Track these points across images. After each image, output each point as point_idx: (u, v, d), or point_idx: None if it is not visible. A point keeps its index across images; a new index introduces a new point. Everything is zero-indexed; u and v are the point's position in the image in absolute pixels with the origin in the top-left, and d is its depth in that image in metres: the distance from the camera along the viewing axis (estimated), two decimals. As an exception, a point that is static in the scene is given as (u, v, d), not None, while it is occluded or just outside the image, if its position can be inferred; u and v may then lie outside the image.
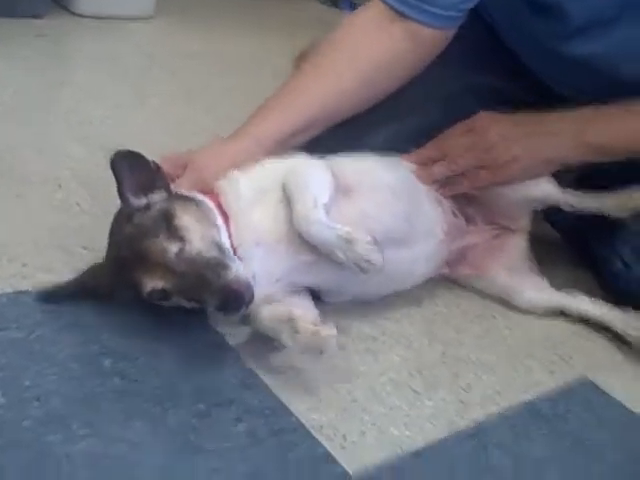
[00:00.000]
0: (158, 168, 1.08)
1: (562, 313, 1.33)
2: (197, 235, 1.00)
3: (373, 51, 1.27)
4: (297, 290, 1.11)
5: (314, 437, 0.95)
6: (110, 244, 1.06)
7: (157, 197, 1.06)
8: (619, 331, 1.27)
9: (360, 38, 1.27)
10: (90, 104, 1.81)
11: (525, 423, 1.06)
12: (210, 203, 1.07)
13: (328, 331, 0.97)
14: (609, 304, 1.30)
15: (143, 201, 1.05)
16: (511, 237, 1.36)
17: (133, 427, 0.91)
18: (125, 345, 1.04)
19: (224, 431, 0.94)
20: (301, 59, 2.24)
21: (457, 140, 1.25)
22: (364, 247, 1.01)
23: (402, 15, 1.26)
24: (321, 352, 0.98)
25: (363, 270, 1.03)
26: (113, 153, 1.04)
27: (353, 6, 3.39)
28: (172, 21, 2.57)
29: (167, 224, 1.00)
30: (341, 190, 1.10)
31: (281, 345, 1.01)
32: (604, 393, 1.15)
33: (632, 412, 1.12)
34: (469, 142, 1.24)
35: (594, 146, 1.22)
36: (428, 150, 1.28)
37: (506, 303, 1.33)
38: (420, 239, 1.22)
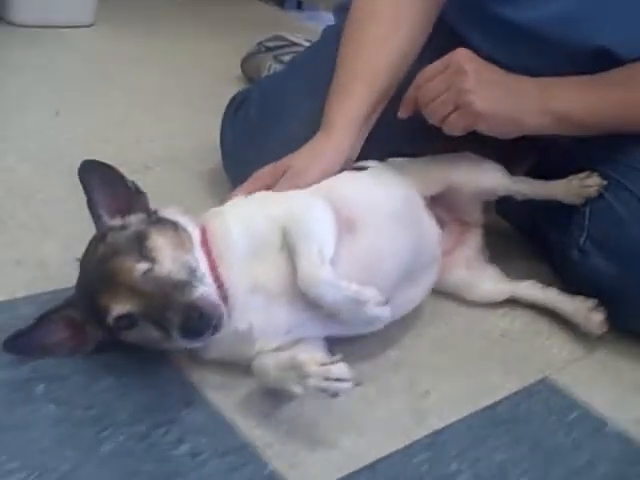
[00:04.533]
0: (137, 188, 1.03)
1: (518, 306, 1.31)
2: (169, 257, 0.94)
3: (406, 9, 1.25)
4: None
5: (260, 456, 0.90)
6: (81, 268, 0.99)
7: (135, 219, 1.00)
8: (569, 316, 1.25)
9: (402, 5, 1.26)
10: (27, 114, 1.75)
11: (484, 429, 1.02)
12: (194, 231, 1.01)
13: (340, 370, 0.90)
14: (559, 290, 1.28)
15: (119, 222, 0.99)
16: (468, 231, 1.32)
17: (66, 455, 0.85)
18: (57, 367, 0.98)
19: (165, 453, 0.88)
20: (246, 61, 2.21)
21: (433, 83, 1.20)
22: (372, 309, 0.95)
23: None
24: (335, 395, 0.90)
25: (370, 325, 0.99)
26: (81, 164, 0.99)
27: (300, 6, 3.37)
28: (113, 27, 2.51)
29: (139, 244, 0.94)
30: (344, 225, 1.02)
31: (289, 395, 0.93)
32: (564, 393, 1.11)
33: (593, 412, 1.08)
34: (444, 83, 1.18)
35: (556, 114, 1.18)
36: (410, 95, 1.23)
37: (462, 301, 1.29)
38: (427, 268, 1.17)
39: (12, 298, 1.10)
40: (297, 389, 0.91)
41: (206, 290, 0.92)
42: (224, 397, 0.98)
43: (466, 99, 1.15)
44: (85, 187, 0.99)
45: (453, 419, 1.03)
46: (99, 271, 0.94)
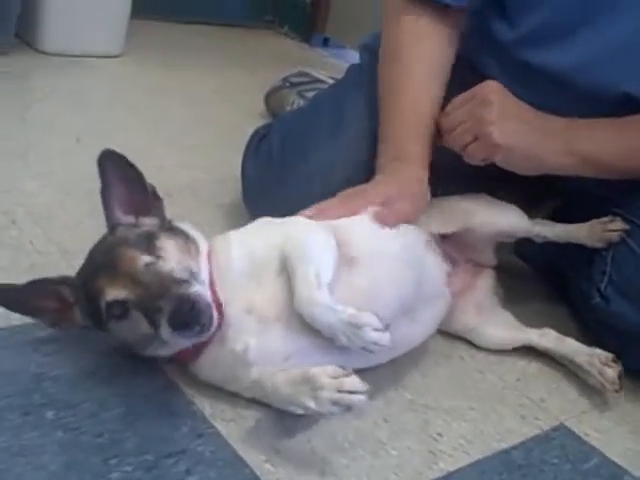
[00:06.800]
0: (155, 192, 1.04)
1: (532, 350, 1.27)
2: (174, 258, 0.95)
3: (437, 48, 1.27)
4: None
5: (269, 491, 0.89)
6: (87, 255, 1.01)
7: (148, 221, 1.02)
8: (583, 368, 1.20)
9: (424, 40, 1.27)
10: (50, 140, 1.77)
11: (497, 474, 1.00)
12: (202, 245, 1.02)
13: (353, 382, 0.88)
14: (575, 341, 1.24)
15: (131, 220, 1.01)
16: (481, 273, 1.30)
17: (72, 482, 0.84)
18: (68, 394, 0.97)
19: (172, 485, 0.87)
20: (270, 96, 2.23)
21: (457, 112, 1.21)
22: (370, 333, 0.92)
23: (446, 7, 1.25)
24: (349, 408, 0.88)
25: (369, 351, 0.94)
26: (102, 151, 0.99)
27: (326, 43, 3.40)
28: (140, 58, 2.54)
29: (148, 242, 0.96)
30: (344, 260, 1.01)
31: (303, 410, 0.91)
32: (581, 441, 1.09)
33: (610, 461, 1.06)
34: (467, 112, 1.19)
35: (582, 155, 1.18)
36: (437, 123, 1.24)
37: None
38: (429, 304, 1.15)
39: (28, 322, 1.10)
40: (310, 403, 0.89)
41: (203, 289, 0.93)
42: (235, 429, 0.97)
43: (486, 130, 1.15)
44: (102, 176, 0.99)
45: (466, 462, 1.01)
46: (103, 257, 0.96)
